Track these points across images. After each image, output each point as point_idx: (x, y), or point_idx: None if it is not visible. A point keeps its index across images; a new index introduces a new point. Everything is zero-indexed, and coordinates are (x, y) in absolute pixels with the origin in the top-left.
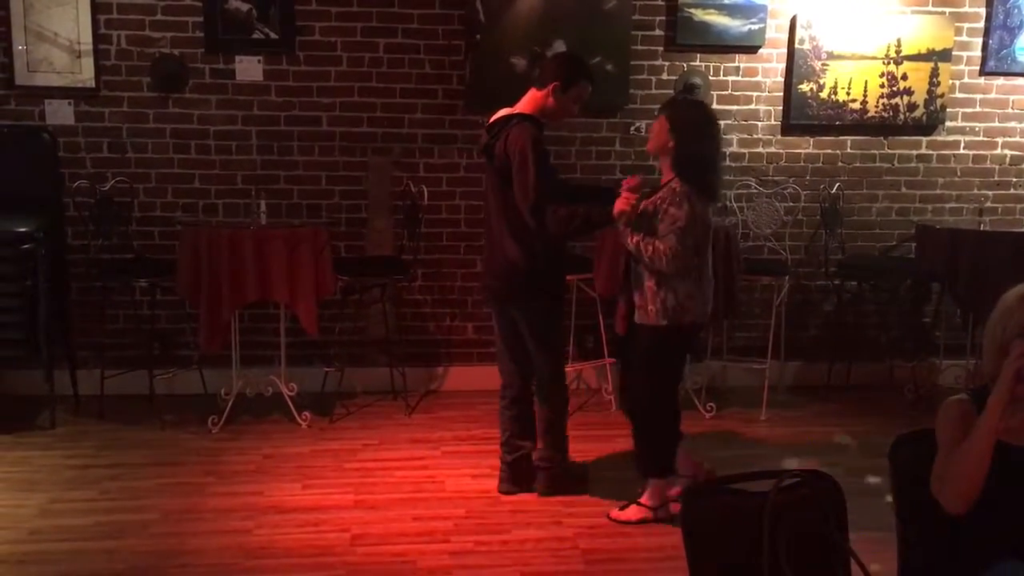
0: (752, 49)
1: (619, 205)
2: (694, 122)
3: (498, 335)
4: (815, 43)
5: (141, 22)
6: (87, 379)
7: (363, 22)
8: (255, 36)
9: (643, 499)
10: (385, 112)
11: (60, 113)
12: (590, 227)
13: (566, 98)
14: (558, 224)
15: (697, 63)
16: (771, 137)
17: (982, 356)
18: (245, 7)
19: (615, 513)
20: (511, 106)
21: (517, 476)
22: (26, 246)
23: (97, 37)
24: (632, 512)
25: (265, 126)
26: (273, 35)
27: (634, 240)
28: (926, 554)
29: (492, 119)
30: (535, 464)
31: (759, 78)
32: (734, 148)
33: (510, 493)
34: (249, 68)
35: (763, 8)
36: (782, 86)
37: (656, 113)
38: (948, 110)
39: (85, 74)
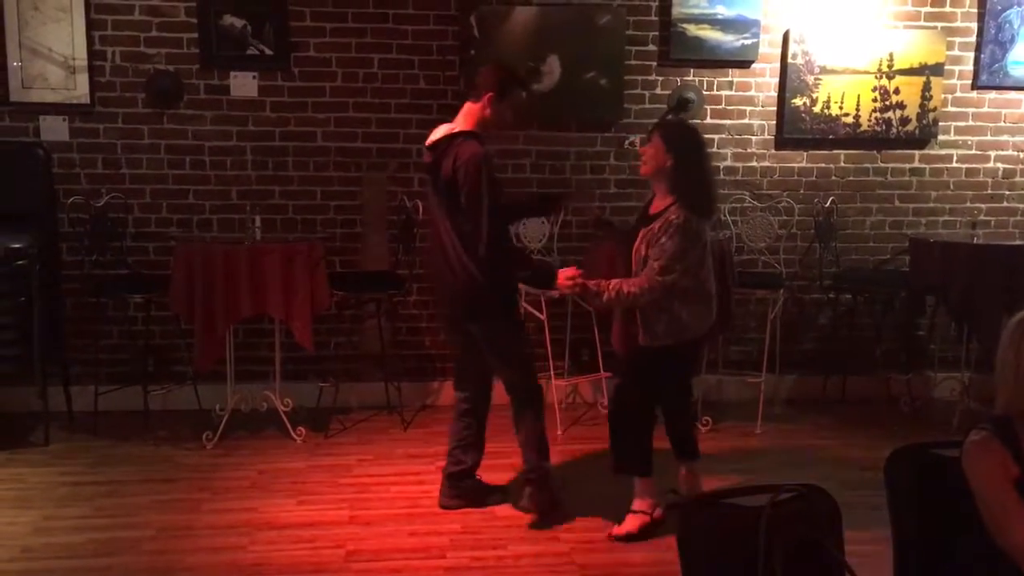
0: (745, 64)
1: (562, 285)
2: (688, 139)
3: (455, 352)
4: (808, 58)
5: (136, 38)
6: (81, 395)
7: (358, 38)
8: (250, 52)
9: (635, 505)
10: (380, 127)
11: (55, 129)
12: (532, 280)
13: (503, 107)
14: (506, 263)
15: (691, 78)
16: (765, 151)
17: (997, 384)
18: (240, 23)
19: (616, 530)
20: (450, 122)
21: (457, 491)
22: (20, 262)
23: (92, 53)
24: (630, 522)
25: (260, 142)
26: (268, 51)
27: (606, 297)
28: (922, 569)
29: (433, 138)
30: (523, 477)
31: (752, 92)
32: (728, 162)
33: (449, 508)
34: (244, 84)
35: (756, 23)
36: (775, 100)
37: (646, 137)
38: (941, 124)
39: (80, 90)
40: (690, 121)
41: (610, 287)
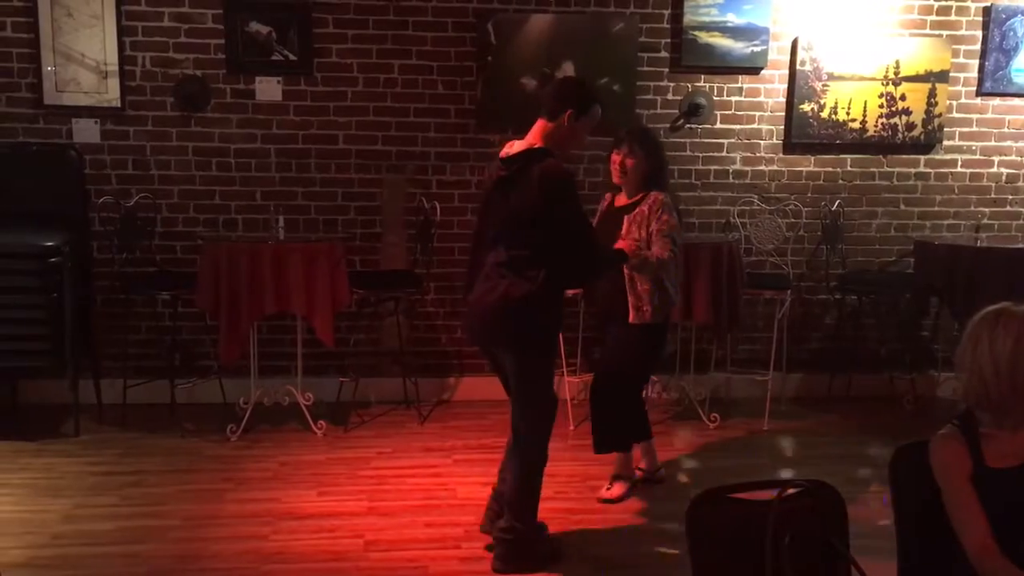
0: (755, 70)
1: (626, 247)
2: (659, 143)
3: (499, 375)
4: (816, 65)
5: (165, 44)
6: (110, 388)
7: (378, 44)
8: (274, 58)
9: (618, 471)
10: (399, 131)
11: (87, 131)
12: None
13: (581, 124)
14: (606, 265)
15: (701, 84)
16: (773, 155)
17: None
18: (265, 30)
19: (603, 494)
20: (520, 137)
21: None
22: (53, 259)
23: (123, 58)
24: (618, 488)
25: (283, 144)
26: (292, 57)
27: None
28: (925, 563)
29: (508, 152)
30: (494, 536)
31: (761, 98)
32: (737, 166)
33: (487, 532)
34: (268, 88)
35: (765, 31)
36: (784, 106)
37: (622, 147)
38: (945, 129)
39: (111, 94)
40: (700, 126)
41: (650, 253)
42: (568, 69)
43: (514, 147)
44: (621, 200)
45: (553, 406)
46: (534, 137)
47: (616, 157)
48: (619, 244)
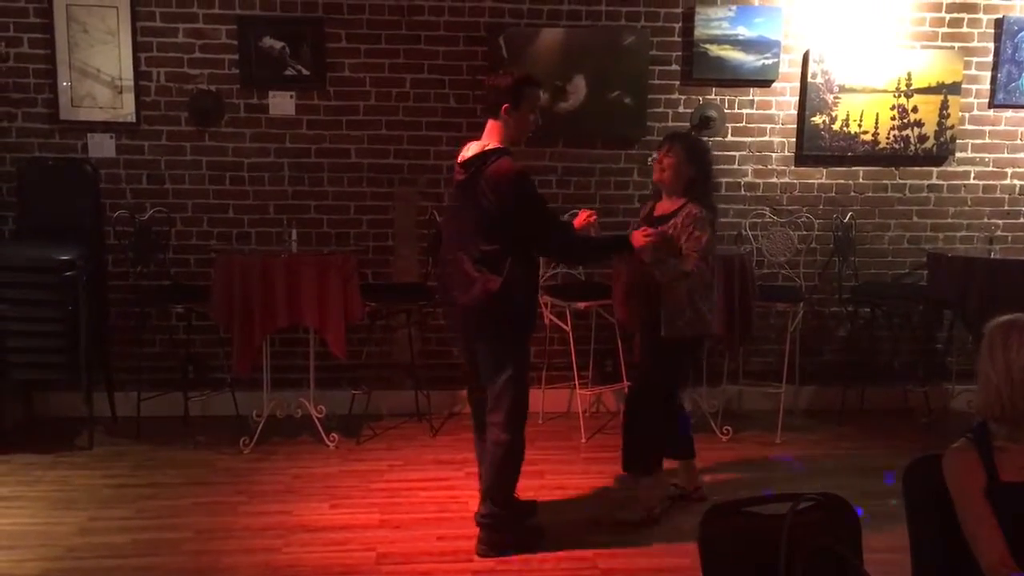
0: (766, 83)
1: (639, 241)
2: (705, 152)
3: (469, 370)
4: (827, 77)
5: (180, 60)
6: (124, 401)
7: (391, 59)
8: (288, 73)
9: (642, 497)
10: (411, 144)
11: (102, 146)
12: (608, 252)
13: (521, 113)
14: (582, 252)
15: (712, 96)
16: (785, 168)
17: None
18: (278, 45)
19: (619, 515)
20: (478, 138)
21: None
22: (68, 273)
23: (138, 74)
24: (636, 509)
25: (296, 158)
26: (305, 71)
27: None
28: None
29: (465, 155)
30: (475, 520)
31: (773, 111)
32: (749, 178)
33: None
34: (282, 103)
35: (776, 44)
36: (795, 118)
37: (663, 147)
38: (958, 141)
39: (126, 109)
40: (712, 138)
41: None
42: (579, 83)
43: (470, 149)
44: (661, 208)
45: (525, 394)
46: (487, 137)
47: (659, 155)
48: (637, 234)
